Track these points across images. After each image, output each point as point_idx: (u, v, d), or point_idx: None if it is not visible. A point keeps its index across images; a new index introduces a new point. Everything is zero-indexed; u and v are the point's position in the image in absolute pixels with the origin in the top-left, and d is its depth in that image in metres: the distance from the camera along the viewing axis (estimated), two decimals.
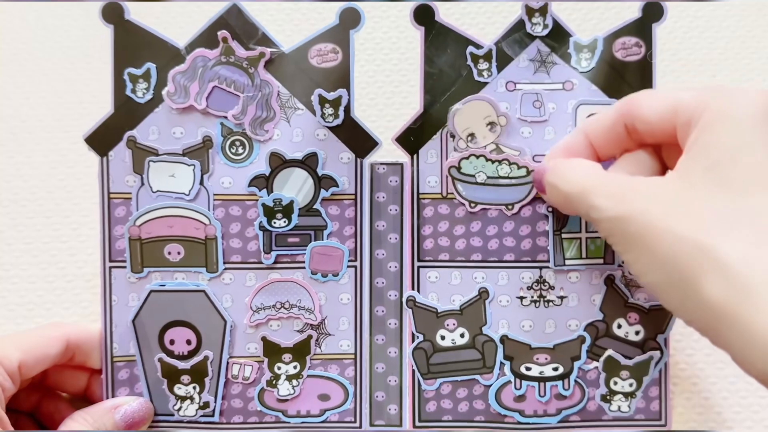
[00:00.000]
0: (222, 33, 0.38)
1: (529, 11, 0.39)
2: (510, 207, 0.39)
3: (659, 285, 0.30)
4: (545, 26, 0.39)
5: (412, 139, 0.39)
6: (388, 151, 0.39)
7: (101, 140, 0.39)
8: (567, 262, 0.39)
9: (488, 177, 0.39)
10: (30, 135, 0.42)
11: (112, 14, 0.39)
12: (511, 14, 0.39)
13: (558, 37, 0.39)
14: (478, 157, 0.39)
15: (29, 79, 0.43)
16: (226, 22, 0.39)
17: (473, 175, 0.39)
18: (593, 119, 0.36)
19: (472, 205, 0.39)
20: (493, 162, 0.39)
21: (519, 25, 0.39)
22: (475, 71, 0.39)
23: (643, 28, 0.39)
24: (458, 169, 0.39)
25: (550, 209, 0.39)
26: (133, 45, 0.39)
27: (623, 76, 0.38)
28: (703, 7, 0.43)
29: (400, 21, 0.42)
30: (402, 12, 0.41)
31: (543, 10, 0.39)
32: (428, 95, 0.39)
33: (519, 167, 0.38)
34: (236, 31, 0.39)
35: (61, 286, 0.40)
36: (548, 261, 0.39)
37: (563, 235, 0.39)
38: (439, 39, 0.39)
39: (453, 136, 0.39)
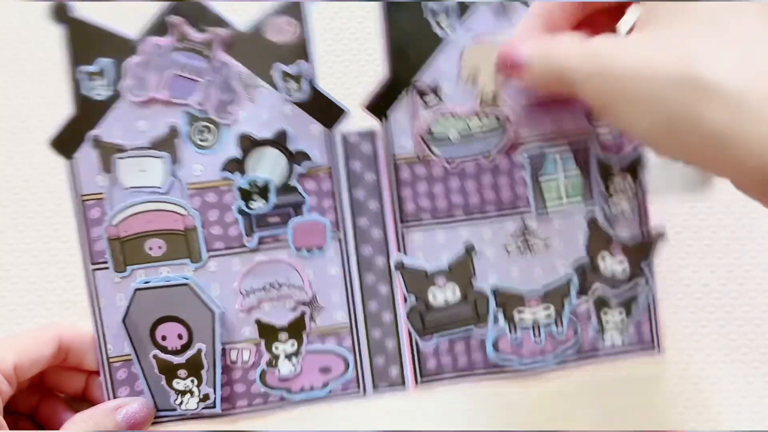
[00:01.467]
0: (172, 18, 0.38)
1: None
2: (488, 155, 0.39)
3: (656, 128, 0.29)
4: None
5: (381, 104, 0.39)
6: (356, 121, 0.39)
7: (65, 143, 0.38)
8: (548, 205, 0.39)
9: (460, 132, 0.39)
10: (30, 135, 0.40)
11: (60, 14, 0.37)
12: None
13: None
14: (446, 117, 0.38)
15: (29, 78, 0.41)
16: (176, 7, 0.38)
17: (446, 135, 0.39)
18: None
19: (450, 161, 0.39)
20: (461, 118, 0.38)
21: None
22: (437, 28, 0.38)
23: None
24: (429, 132, 0.39)
25: (526, 156, 0.39)
26: (86, 42, 0.38)
27: None
28: None
29: None
30: None
31: None
32: (392, 58, 0.39)
33: (488, 117, 0.38)
34: (187, 15, 0.38)
35: (61, 286, 0.39)
36: (529, 208, 0.39)
37: (541, 180, 0.39)
38: (398, 4, 0.38)
39: (423, 94, 0.38)
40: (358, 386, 0.40)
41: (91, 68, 0.38)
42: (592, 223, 0.39)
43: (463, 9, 0.38)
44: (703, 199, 0.40)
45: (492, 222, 0.39)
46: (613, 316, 0.40)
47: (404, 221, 0.39)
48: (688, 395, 0.42)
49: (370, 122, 0.39)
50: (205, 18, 0.38)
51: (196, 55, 0.38)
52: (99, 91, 0.38)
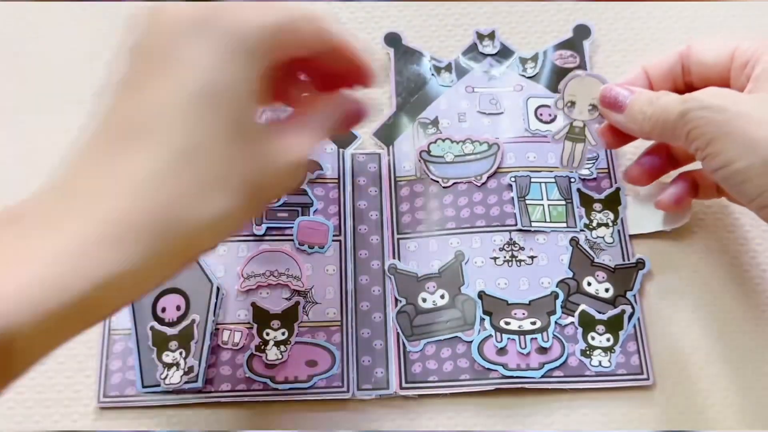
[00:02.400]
0: None
1: (480, 36, 0.47)
2: (479, 178, 0.43)
3: (751, 169, 0.32)
4: (494, 47, 0.47)
5: (388, 133, 0.45)
6: (366, 146, 0.45)
7: None
8: (533, 224, 0.42)
9: (455, 156, 0.44)
10: (30, 135, 0.44)
11: None
12: (465, 37, 0.48)
13: (505, 53, 0.47)
14: (444, 140, 0.44)
15: (29, 78, 0.45)
16: None
17: (442, 156, 0.44)
18: (655, 59, 0.39)
19: (445, 181, 0.43)
20: (457, 142, 0.44)
21: (472, 47, 0.47)
22: (438, 79, 0.46)
23: (575, 44, 0.47)
24: (428, 152, 0.44)
25: (513, 179, 0.43)
26: None
27: (563, 76, 0.46)
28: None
29: (372, 44, 0.49)
30: (374, 37, 0.48)
31: (491, 36, 0.48)
32: (399, 98, 0.46)
33: (480, 143, 0.44)
34: None
35: None
36: (516, 224, 0.42)
37: (527, 202, 0.43)
38: (406, 56, 0.47)
39: (425, 126, 0.45)
40: (343, 384, 0.40)
41: None
42: (575, 246, 0.42)
43: (461, 69, 0.46)
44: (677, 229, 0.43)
45: (481, 234, 0.42)
46: (600, 342, 0.40)
47: (400, 232, 0.43)
48: (687, 395, 0.40)
49: (377, 148, 0.45)
50: None
51: None
52: None
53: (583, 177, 0.44)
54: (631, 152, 0.45)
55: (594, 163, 0.44)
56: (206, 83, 0.25)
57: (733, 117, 0.33)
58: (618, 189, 0.44)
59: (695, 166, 0.41)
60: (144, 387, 0.39)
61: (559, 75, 0.46)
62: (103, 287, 0.23)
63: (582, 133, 0.41)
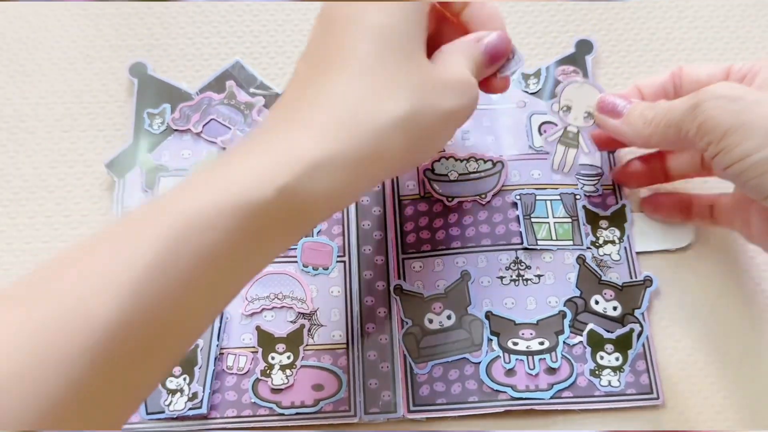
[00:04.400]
0: (230, 83, 0.46)
1: None
2: (483, 196, 0.43)
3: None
4: None
5: None
6: None
7: (120, 166, 0.44)
8: (540, 243, 0.42)
9: (459, 174, 0.44)
10: (30, 135, 0.44)
11: (137, 71, 0.46)
12: None
13: None
14: (447, 158, 0.44)
15: (29, 78, 0.45)
16: (231, 73, 0.47)
17: (446, 174, 0.44)
18: (648, 77, 0.41)
19: (449, 199, 0.43)
20: (461, 160, 0.44)
21: None
22: None
23: (577, 59, 0.47)
24: (432, 170, 0.44)
25: (518, 197, 0.43)
26: (153, 92, 0.46)
27: None
28: None
29: None
30: None
31: None
32: None
33: (485, 161, 0.44)
34: (239, 80, 0.46)
35: None
36: (522, 243, 0.42)
37: (533, 220, 0.43)
38: None
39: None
40: (350, 408, 0.39)
41: (155, 111, 0.45)
42: (582, 264, 0.42)
43: None
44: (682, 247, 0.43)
45: (487, 253, 0.42)
46: (609, 361, 0.40)
47: (405, 252, 0.42)
48: (687, 395, 0.39)
49: None
50: (252, 83, 0.46)
51: (237, 111, 0.46)
52: (155, 127, 0.45)
53: (588, 194, 0.43)
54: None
55: (599, 179, 0.44)
56: (383, 26, 0.31)
57: (751, 105, 0.32)
58: (624, 205, 0.43)
59: (686, 182, 0.43)
60: (148, 414, 0.39)
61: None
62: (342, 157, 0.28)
63: (576, 138, 0.42)
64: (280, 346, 0.40)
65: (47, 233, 0.42)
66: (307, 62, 0.32)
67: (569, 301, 0.41)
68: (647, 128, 0.36)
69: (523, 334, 0.40)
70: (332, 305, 0.41)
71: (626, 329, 0.40)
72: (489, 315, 0.41)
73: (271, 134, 0.29)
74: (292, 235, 0.30)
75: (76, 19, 0.49)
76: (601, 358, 0.40)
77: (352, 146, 0.28)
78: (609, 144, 0.43)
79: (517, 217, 0.43)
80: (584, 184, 0.44)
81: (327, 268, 0.42)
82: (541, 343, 0.40)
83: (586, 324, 0.41)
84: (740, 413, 0.39)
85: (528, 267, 0.42)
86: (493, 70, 0.36)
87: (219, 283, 0.26)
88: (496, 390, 0.39)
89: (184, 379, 0.39)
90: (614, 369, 0.40)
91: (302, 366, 0.40)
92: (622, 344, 0.40)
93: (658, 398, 0.39)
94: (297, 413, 0.39)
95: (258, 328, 0.40)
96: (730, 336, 0.41)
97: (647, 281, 0.41)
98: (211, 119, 0.45)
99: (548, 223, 0.43)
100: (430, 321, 0.41)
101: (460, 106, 0.32)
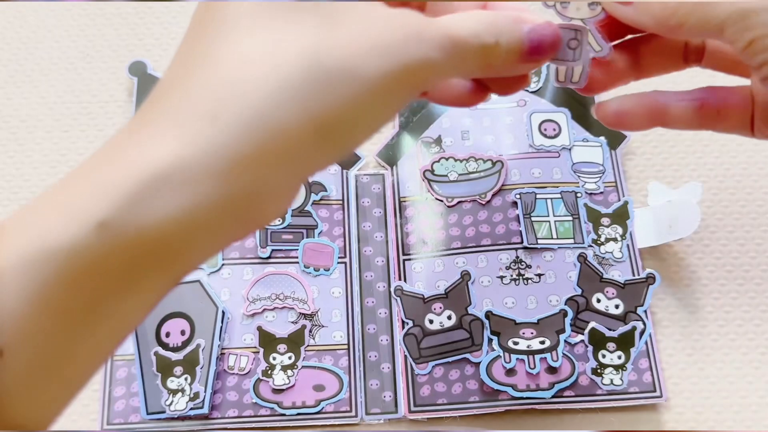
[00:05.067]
0: None
1: None
2: (483, 196, 0.43)
3: None
4: None
5: (391, 153, 0.45)
6: (370, 167, 0.45)
7: None
8: (540, 242, 0.42)
9: (459, 174, 0.44)
10: (30, 135, 0.44)
11: (137, 69, 0.46)
12: None
13: None
14: (447, 159, 0.44)
15: (29, 79, 0.46)
16: None
17: (446, 175, 0.44)
18: None
19: (449, 200, 0.43)
20: (460, 161, 0.44)
21: None
22: None
23: None
24: (432, 171, 0.44)
25: (518, 196, 0.43)
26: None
27: (565, 90, 0.45)
28: None
29: None
30: None
31: None
32: (402, 118, 0.45)
33: (485, 161, 0.44)
34: None
35: None
36: (522, 242, 0.42)
37: (533, 219, 0.42)
38: None
39: (428, 145, 0.44)
40: (351, 408, 0.39)
41: None
42: (583, 262, 0.41)
43: None
44: (688, 244, 0.42)
45: (487, 253, 0.42)
46: (612, 360, 0.40)
47: (406, 253, 0.42)
48: (687, 395, 0.39)
49: (382, 169, 0.45)
50: None
51: None
52: None
53: (589, 191, 0.43)
54: (640, 154, 0.44)
55: (600, 176, 0.44)
56: None
57: None
58: (626, 202, 0.43)
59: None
60: (149, 414, 0.39)
61: (562, 89, 0.45)
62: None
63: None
64: (282, 347, 0.40)
65: None
66: (184, 36, 0.24)
67: (570, 300, 0.41)
68: (671, 17, 0.27)
69: (523, 333, 0.40)
70: (333, 306, 0.41)
71: (629, 327, 0.40)
72: (489, 315, 0.40)
73: (113, 144, 0.21)
74: (148, 288, 0.21)
75: (76, 19, 0.49)
76: (603, 356, 0.40)
77: (227, 137, 0.20)
78: (623, 33, 0.30)
79: (517, 216, 0.42)
80: (585, 182, 0.44)
81: (328, 269, 0.42)
82: (542, 342, 0.40)
83: (588, 322, 0.40)
84: (741, 413, 0.39)
85: (528, 266, 0.42)
86: (517, 70, 0.26)
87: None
88: (497, 390, 0.39)
89: (186, 379, 0.39)
90: (616, 367, 0.40)
91: (303, 366, 0.40)
92: (625, 342, 0.40)
93: (661, 396, 0.39)
94: (298, 413, 0.39)
95: (259, 328, 0.40)
96: (731, 336, 0.41)
97: (650, 278, 0.41)
98: None
99: (549, 221, 0.43)
100: (431, 321, 0.41)
101: (414, 61, 0.22)
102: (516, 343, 0.40)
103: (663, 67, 0.32)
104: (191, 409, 0.38)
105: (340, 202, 0.44)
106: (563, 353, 0.40)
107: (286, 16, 0.22)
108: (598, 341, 0.40)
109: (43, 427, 0.21)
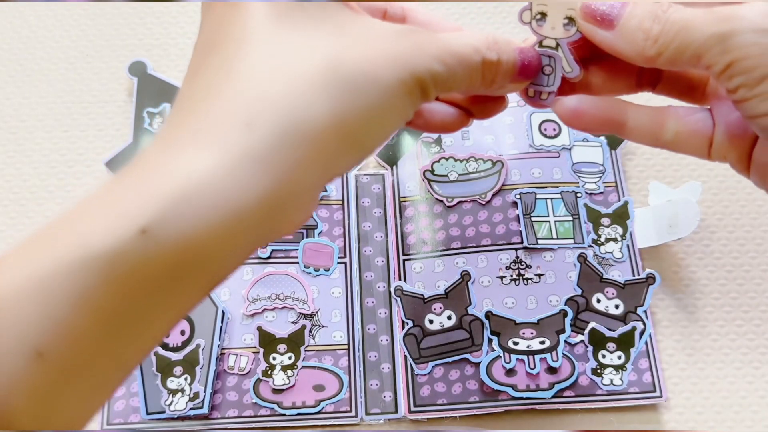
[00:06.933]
0: None
1: None
2: (483, 196, 0.43)
3: None
4: None
5: (391, 154, 0.45)
6: (370, 167, 0.45)
7: (120, 165, 0.44)
8: (540, 242, 0.42)
9: (459, 174, 0.43)
10: (30, 135, 0.44)
11: (137, 70, 0.46)
12: None
13: None
14: (447, 159, 0.44)
15: (29, 79, 0.46)
16: None
17: (446, 175, 0.44)
18: None
19: (449, 200, 0.43)
20: (460, 161, 0.44)
21: None
22: None
23: None
24: (432, 171, 0.44)
25: (518, 196, 0.43)
26: (153, 91, 0.46)
27: None
28: None
29: None
30: None
31: None
32: None
33: (485, 161, 0.44)
34: None
35: None
36: (522, 242, 0.42)
37: (533, 219, 0.42)
38: None
39: (428, 145, 0.44)
40: (351, 408, 0.39)
41: (155, 110, 0.45)
42: (583, 262, 0.41)
43: None
44: (688, 244, 0.42)
45: (487, 253, 0.42)
46: (611, 360, 0.40)
47: (405, 253, 0.42)
48: (687, 395, 0.39)
49: (382, 169, 0.45)
50: None
51: None
52: (155, 126, 0.45)
53: (589, 191, 0.43)
54: (640, 154, 0.44)
55: (600, 176, 0.44)
56: None
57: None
58: (626, 203, 0.43)
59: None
60: (148, 413, 0.39)
61: None
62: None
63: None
64: (282, 347, 0.40)
65: None
66: (197, 48, 0.25)
67: (570, 300, 0.41)
68: (651, 47, 0.27)
69: (523, 333, 0.40)
70: (333, 306, 0.41)
71: (628, 327, 0.40)
72: (489, 315, 0.40)
73: (150, 153, 0.22)
74: (186, 294, 0.21)
75: (76, 19, 0.49)
76: (603, 356, 0.40)
77: (262, 143, 0.21)
78: (586, 54, 0.29)
79: (517, 216, 0.42)
80: (585, 182, 0.44)
81: (328, 269, 0.42)
82: (542, 342, 0.40)
83: (588, 323, 0.40)
84: (741, 413, 0.39)
85: (528, 266, 0.42)
86: (505, 89, 0.28)
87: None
88: (497, 390, 0.39)
89: (186, 379, 0.39)
90: (616, 368, 0.40)
91: (303, 366, 0.40)
92: (625, 342, 0.40)
93: (661, 396, 0.39)
94: (298, 414, 0.39)
95: (259, 328, 0.40)
96: (731, 336, 0.41)
97: (650, 279, 0.41)
98: None
99: (549, 221, 0.43)
100: (431, 322, 0.41)
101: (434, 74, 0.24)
102: (516, 344, 0.40)
103: (614, 90, 0.31)
104: (191, 409, 0.38)
105: (340, 202, 0.44)
106: (563, 353, 0.40)
107: (303, 25, 0.23)
108: (598, 341, 0.40)
109: (79, 427, 0.21)
